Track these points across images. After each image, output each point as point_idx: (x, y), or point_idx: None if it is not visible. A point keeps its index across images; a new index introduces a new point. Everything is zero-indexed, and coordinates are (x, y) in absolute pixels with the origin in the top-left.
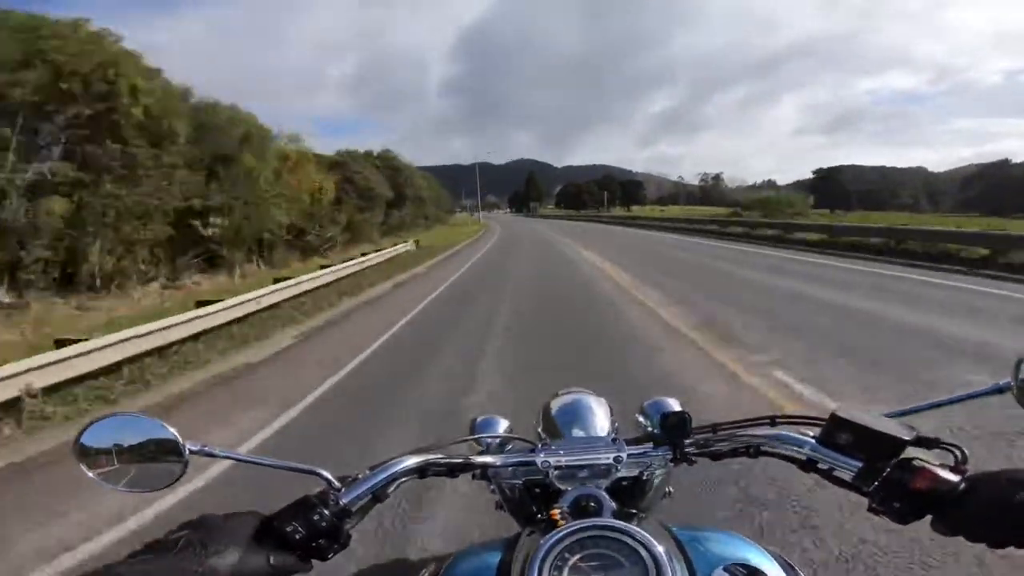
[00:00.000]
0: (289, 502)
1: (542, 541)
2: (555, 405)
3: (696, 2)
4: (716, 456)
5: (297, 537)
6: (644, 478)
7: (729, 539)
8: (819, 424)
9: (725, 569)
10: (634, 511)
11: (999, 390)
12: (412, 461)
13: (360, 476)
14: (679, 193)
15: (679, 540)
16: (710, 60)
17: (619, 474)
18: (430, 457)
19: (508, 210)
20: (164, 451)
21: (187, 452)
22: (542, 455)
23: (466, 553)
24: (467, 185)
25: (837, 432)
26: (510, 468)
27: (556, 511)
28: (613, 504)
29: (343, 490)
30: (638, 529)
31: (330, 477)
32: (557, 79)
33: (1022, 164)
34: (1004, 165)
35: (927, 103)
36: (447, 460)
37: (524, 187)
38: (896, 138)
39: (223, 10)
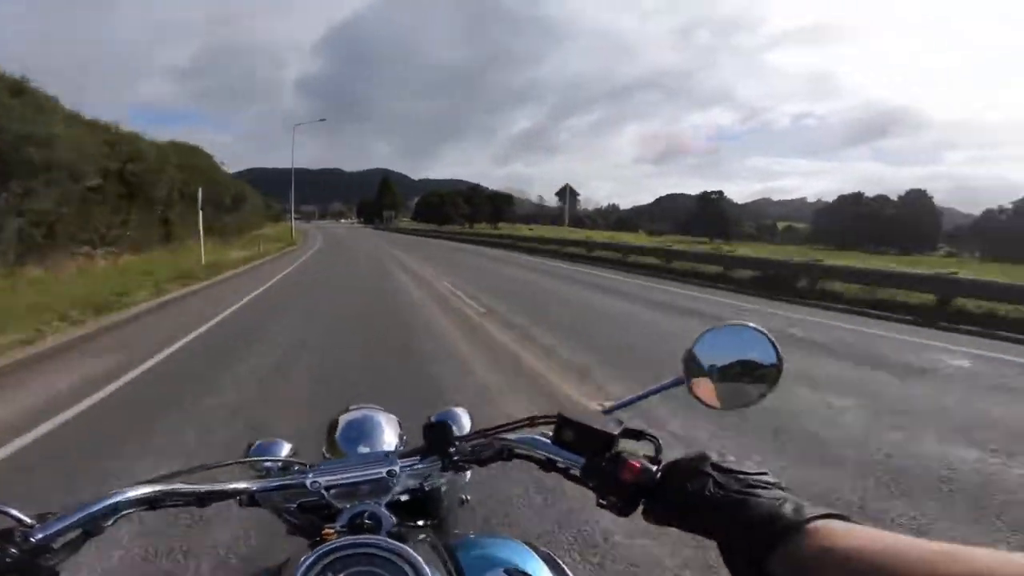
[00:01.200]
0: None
1: (299, 563)
2: (340, 423)
3: (570, 26)
4: (482, 462)
5: None
6: (427, 489)
7: (505, 544)
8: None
9: (498, 574)
10: (413, 525)
11: (676, 383)
12: (138, 492)
13: (62, 512)
14: (539, 212)
15: (453, 550)
16: (573, 84)
17: (399, 488)
18: (166, 487)
19: (355, 220)
20: None
21: None
22: (311, 475)
23: None
24: (315, 190)
25: (564, 431)
26: (279, 492)
27: (329, 530)
28: (392, 519)
29: (36, 526)
30: (400, 544)
31: (17, 514)
32: (423, 90)
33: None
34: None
35: (736, 140)
36: (192, 488)
37: (377, 194)
38: (709, 171)
39: None
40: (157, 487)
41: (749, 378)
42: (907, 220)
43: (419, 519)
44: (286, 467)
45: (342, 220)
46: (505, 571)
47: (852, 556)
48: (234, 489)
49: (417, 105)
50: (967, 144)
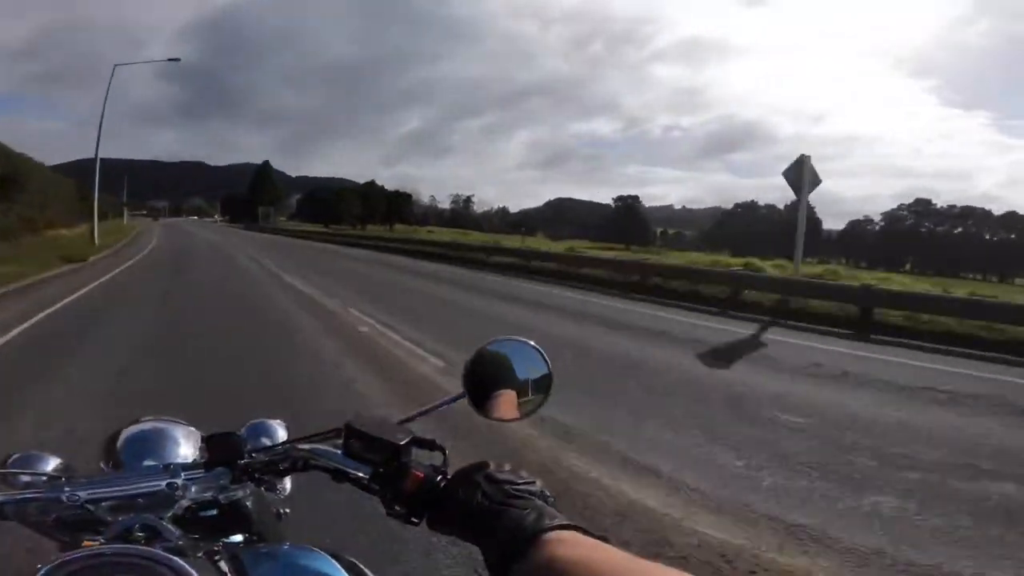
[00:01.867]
0: None
1: (36, 570)
2: (123, 435)
3: (473, 29)
4: (279, 473)
5: None
6: (223, 502)
7: (301, 554)
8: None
9: None
10: (199, 537)
11: (461, 396)
12: None
13: None
14: (429, 213)
15: (243, 561)
16: (468, 87)
17: (186, 502)
18: None
19: (220, 218)
20: None
21: None
22: (68, 488)
23: None
24: (171, 185)
25: (353, 441)
26: (31, 505)
27: (90, 543)
28: (176, 531)
29: None
30: (158, 551)
31: None
32: (308, 84)
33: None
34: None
35: (615, 149)
36: None
37: (250, 186)
38: (589, 177)
39: None
40: None
41: (525, 389)
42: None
43: (234, 535)
44: (50, 481)
45: (202, 218)
46: None
47: (577, 567)
48: None
49: (300, 100)
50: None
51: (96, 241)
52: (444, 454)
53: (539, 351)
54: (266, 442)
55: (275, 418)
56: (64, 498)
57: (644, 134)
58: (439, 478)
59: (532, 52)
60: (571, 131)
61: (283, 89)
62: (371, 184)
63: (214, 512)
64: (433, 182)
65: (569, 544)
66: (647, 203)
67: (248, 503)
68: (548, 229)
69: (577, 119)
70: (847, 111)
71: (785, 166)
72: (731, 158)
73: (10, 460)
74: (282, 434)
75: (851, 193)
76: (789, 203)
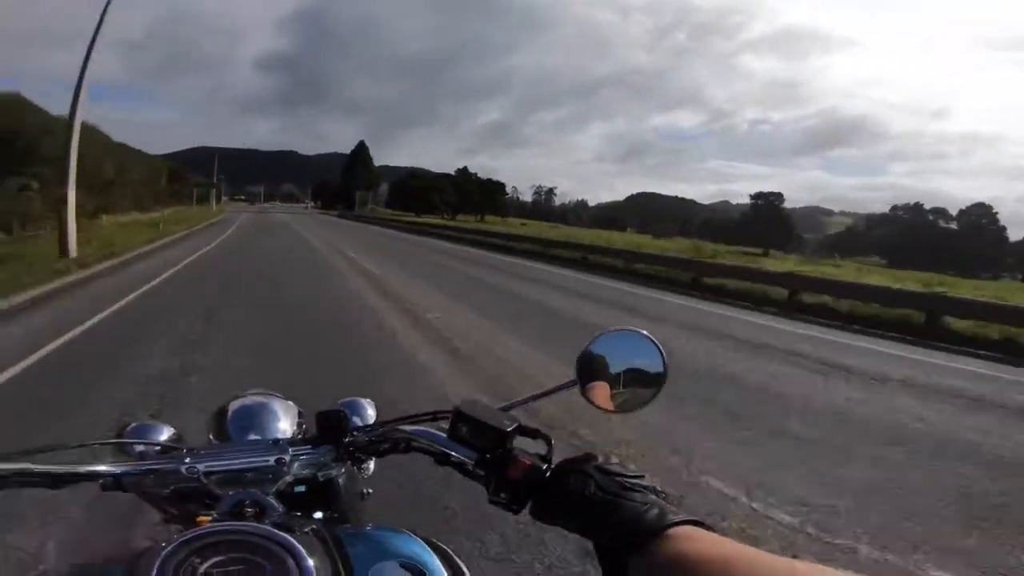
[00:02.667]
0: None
1: (163, 544)
2: (231, 408)
3: (548, 18)
4: (379, 453)
5: None
6: (321, 480)
7: (397, 537)
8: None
9: (384, 566)
10: (301, 515)
11: (571, 384)
12: None
13: None
14: (511, 205)
15: (342, 541)
16: (544, 78)
17: (290, 478)
18: (15, 465)
19: (310, 205)
20: None
21: None
22: (188, 460)
23: (87, 568)
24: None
25: (460, 426)
26: (150, 476)
27: (205, 517)
28: (279, 507)
29: None
30: (275, 530)
31: None
32: (389, 75)
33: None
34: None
35: (696, 142)
36: (46, 469)
37: (344, 170)
38: (668, 172)
39: None
40: (4, 465)
41: (638, 383)
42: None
43: (315, 512)
44: (165, 452)
45: (292, 204)
46: (393, 563)
47: (704, 563)
48: (95, 471)
49: (381, 90)
50: (914, 156)
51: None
52: (549, 443)
53: (656, 345)
54: (357, 421)
55: (364, 397)
56: (184, 470)
57: (729, 128)
58: (544, 467)
59: (610, 42)
60: (650, 124)
61: (366, 80)
62: (464, 172)
63: (304, 488)
64: (509, 173)
65: (695, 539)
66: (734, 200)
67: (340, 481)
68: (640, 225)
69: (656, 111)
70: (969, 106)
71: (898, 164)
72: (830, 154)
73: (127, 430)
74: (371, 413)
75: (969, 195)
76: (967, 206)
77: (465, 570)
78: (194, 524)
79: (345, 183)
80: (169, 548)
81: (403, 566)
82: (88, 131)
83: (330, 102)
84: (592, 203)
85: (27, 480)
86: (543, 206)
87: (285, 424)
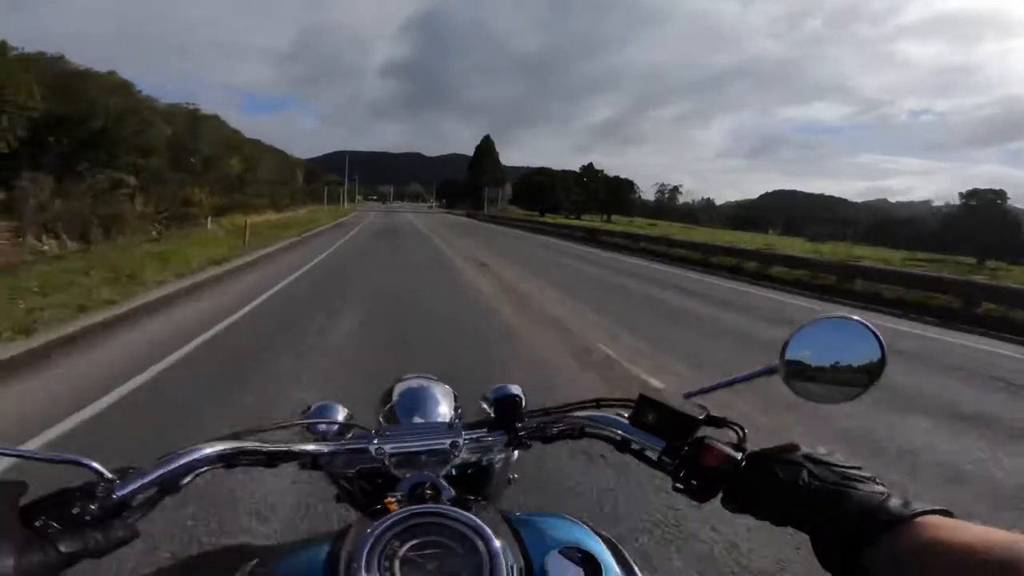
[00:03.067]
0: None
1: (369, 529)
2: (396, 391)
3: (660, 11)
4: (547, 439)
5: (48, 532)
6: (484, 464)
7: (564, 523)
8: (632, 406)
9: (557, 554)
10: (472, 498)
11: (770, 371)
12: (213, 449)
13: (143, 466)
14: (634, 203)
15: (514, 525)
16: (658, 73)
17: (458, 460)
18: (239, 444)
19: (434, 204)
20: None
21: None
22: (375, 441)
23: (293, 546)
24: (395, 173)
25: (644, 412)
26: (342, 456)
27: (391, 499)
28: (452, 490)
29: (118, 482)
30: (470, 515)
31: (100, 468)
32: (504, 73)
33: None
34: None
35: (840, 135)
36: (262, 447)
37: (470, 166)
38: (807, 167)
39: None
40: (231, 444)
41: (849, 372)
42: None
43: (469, 495)
44: (342, 431)
45: (415, 203)
46: (567, 549)
47: (959, 551)
48: (302, 451)
49: (496, 90)
50: None
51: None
52: (743, 432)
53: (873, 333)
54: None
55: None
56: (372, 450)
57: (883, 119)
58: (740, 456)
59: (730, 33)
60: (782, 117)
61: (482, 81)
62: (589, 168)
63: (464, 472)
64: (625, 171)
65: (945, 528)
66: (892, 197)
67: (496, 466)
68: (783, 226)
69: (790, 103)
70: None
71: None
72: (1012, 147)
73: (311, 410)
74: (522, 400)
75: None
76: None
77: (629, 558)
78: (367, 502)
79: (471, 180)
80: (378, 529)
81: (575, 552)
82: (215, 124)
83: (450, 104)
84: (719, 201)
85: (250, 459)
86: (667, 205)
87: (445, 407)
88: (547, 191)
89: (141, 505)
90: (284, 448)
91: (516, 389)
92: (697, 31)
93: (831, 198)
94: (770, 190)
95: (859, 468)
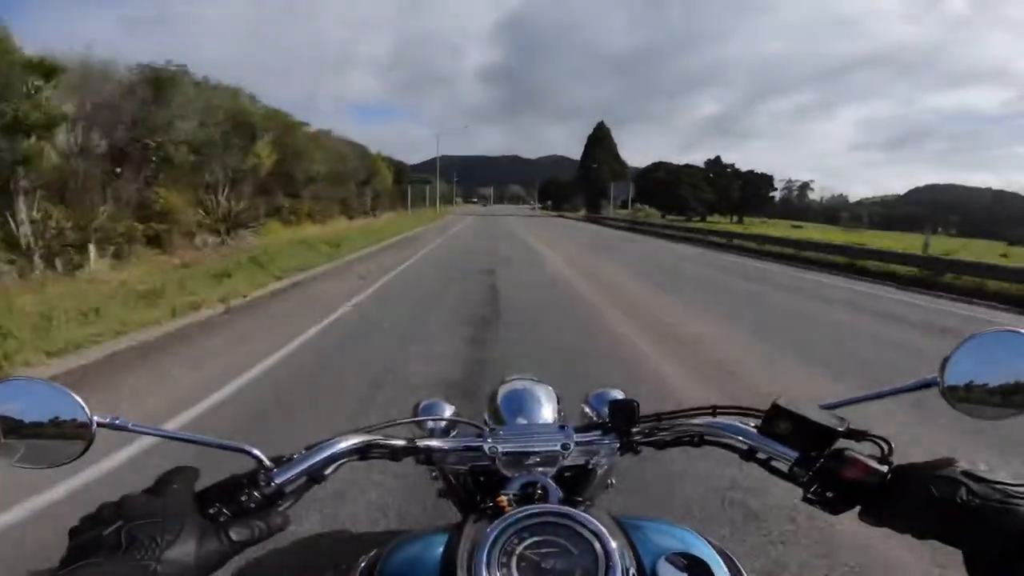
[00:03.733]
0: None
1: (490, 527)
2: (502, 392)
3: (769, 2)
4: (661, 445)
5: (221, 519)
6: (589, 467)
7: (673, 530)
8: (758, 415)
9: (668, 559)
10: (580, 500)
11: (927, 385)
12: (352, 441)
13: (295, 455)
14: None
15: (624, 529)
16: (771, 64)
17: (565, 462)
18: (372, 438)
19: (537, 206)
20: (67, 424)
21: (94, 426)
22: (489, 440)
23: (408, 538)
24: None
25: (776, 421)
26: (456, 453)
27: (503, 498)
28: (560, 492)
29: (275, 470)
30: (589, 516)
31: (261, 456)
32: (599, 72)
33: None
34: None
35: (999, 124)
36: (390, 442)
37: (582, 160)
38: (958, 160)
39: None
40: (365, 437)
41: (1015, 388)
42: None
43: (571, 496)
44: (449, 428)
45: (519, 205)
46: (679, 555)
47: None
48: (424, 446)
49: (592, 90)
50: None
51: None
52: (889, 446)
53: None
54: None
55: (615, 388)
56: (486, 449)
57: None
58: (885, 469)
59: (855, 18)
60: (926, 105)
61: (577, 81)
62: (716, 162)
63: (568, 474)
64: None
65: None
66: None
67: (601, 470)
68: (965, 228)
69: (934, 91)
70: None
71: None
72: None
73: (420, 407)
74: None
75: None
76: None
77: (740, 566)
78: (475, 500)
79: (583, 175)
80: (501, 526)
81: (687, 558)
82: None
83: (547, 106)
84: (852, 198)
85: (380, 452)
86: (795, 203)
87: (548, 409)
88: (670, 188)
89: (292, 493)
90: (407, 443)
91: (619, 394)
92: (813, 19)
93: (1001, 192)
94: (919, 184)
95: (1022, 485)
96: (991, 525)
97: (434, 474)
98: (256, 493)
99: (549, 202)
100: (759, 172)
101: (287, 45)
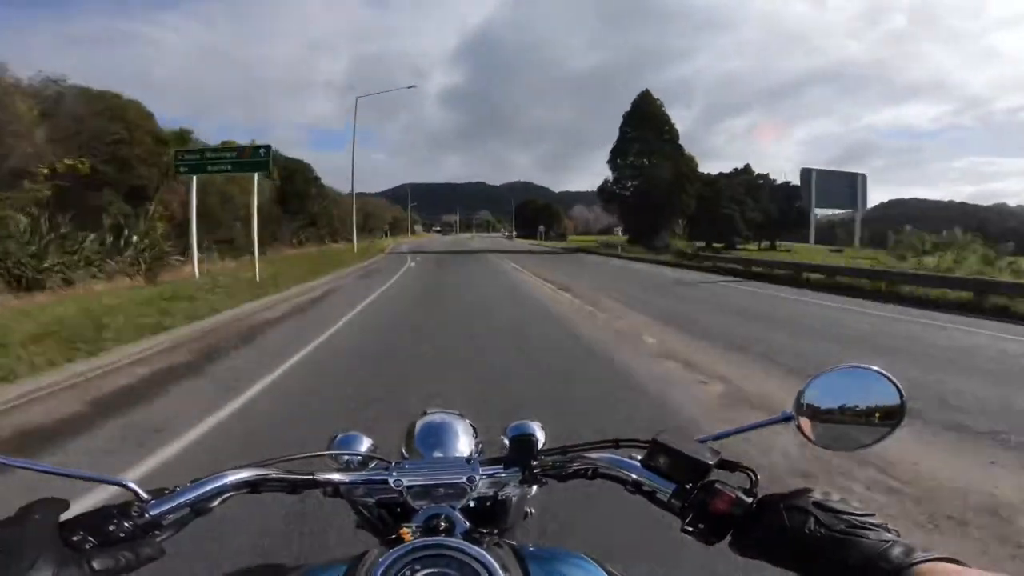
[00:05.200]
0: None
1: (381, 558)
2: (419, 426)
3: (728, 17)
4: (561, 477)
5: (86, 547)
6: (500, 498)
7: (574, 560)
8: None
9: None
10: (486, 531)
11: (787, 418)
12: (242, 475)
13: (177, 488)
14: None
15: (525, 561)
16: (729, 82)
17: (474, 494)
18: (266, 472)
19: (513, 233)
20: None
21: None
22: (395, 473)
23: (311, 569)
24: (460, 202)
25: (657, 456)
26: (361, 486)
27: (406, 530)
28: (466, 523)
29: (152, 501)
30: (479, 549)
31: (136, 488)
32: (559, 98)
33: None
34: None
35: (937, 138)
36: (288, 476)
37: (615, 151)
38: (900, 174)
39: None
40: (259, 471)
41: (866, 420)
42: None
43: (485, 527)
44: (365, 462)
45: (494, 234)
46: None
47: None
48: (325, 479)
49: (553, 114)
50: None
51: None
52: (755, 477)
53: (892, 382)
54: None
55: (534, 420)
56: (391, 482)
57: (985, 119)
58: (750, 500)
59: (804, 36)
60: (866, 122)
61: (536, 107)
62: (746, 170)
63: (481, 505)
64: None
65: (949, 575)
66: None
67: (512, 500)
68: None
69: (875, 108)
70: None
71: None
72: None
73: (336, 440)
74: (540, 436)
75: None
76: None
77: None
78: (386, 531)
79: (633, 182)
80: (391, 558)
81: None
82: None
83: (510, 130)
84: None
85: (276, 485)
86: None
87: (465, 442)
88: (710, 207)
89: (172, 525)
90: (308, 476)
91: (535, 426)
92: (769, 37)
93: (944, 203)
94: (884, 200)
95: (871, 515)
96: (832, 556)
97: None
98: (127, 523)
99: (522, 231)
100: (793, 184)
101: (242, 67)
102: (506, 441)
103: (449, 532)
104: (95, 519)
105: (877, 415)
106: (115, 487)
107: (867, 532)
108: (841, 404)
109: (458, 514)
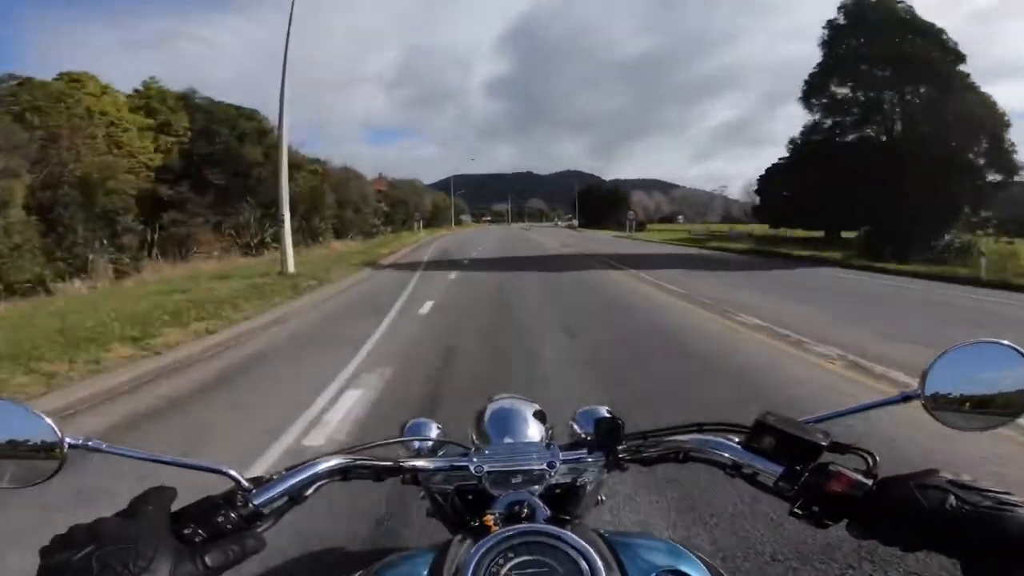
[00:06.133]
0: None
1: (474, 548)
2: (489, 411)
3: (781, 3)
4: (647, 462)
5: (196, 540)
6: (577, 485)
7: (662, 546)
8: (743, 431)
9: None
10: (567, 518)
11: (906, 398)
12: (333, 462)
13: (274, 476)
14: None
15: (612, 546)
16: (791, 65)
17: (552, 480)
18: (354, 459)
19: (575, 221)
20: (39, 445)
21: (66, 447)
22: (475, 460)
23: (394, 559)
24: (511, 192)
25: (760, 437)
26: (442, 473)
27: (489, 517)
28: (547, 510)
29: (254, 491)
30: (573, 535)
31: (239, 477)
32: (607, 83)
33: None
34: None
35: None
36: (373, 462)
37: (822, 66)
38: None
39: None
40: (348, 458)
41: (996, 398)
42: None
43: (559, 514)
44: (436, 448)
45: (542, 225)
46: (669, 572)
47: None
48: (410, 466)
49: (602, 102)
50: None
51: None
52: (874, 459)
53: (1022, 354)
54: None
55: (602, 404)
56: (472, 468)
57: None
58: (870, 482)
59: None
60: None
61: (585, 95)
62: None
63: (555, 492)
64: (750, 176)
65: None
66: None
67: (589, 487)
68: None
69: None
70: None
71: None
72: None
73: (407, 427)
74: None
75: None
76: None
77: None
78: (459, 518)
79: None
80: (484, 548)
81: (676, 574)
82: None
83: (557, 118)
84: None
85: (362, 472)
86: None
87: (535, 427)
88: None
89: (271, 515)
90: (391, 463)
91: (605, 411)
92: (826, 18)
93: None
94: None
95: (1009, 493)
96: (986, 532)
97: (422, 494)
98: (233, 514)
99: (585, 219)
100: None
101: (294, 66)
102: (575, 427)
103: (531, 519)
104: (203, 510)
105: (1006, 393)
106: (217, 475)
107: (1015, 508)
108: (969, 382)
109: (539, 501)
